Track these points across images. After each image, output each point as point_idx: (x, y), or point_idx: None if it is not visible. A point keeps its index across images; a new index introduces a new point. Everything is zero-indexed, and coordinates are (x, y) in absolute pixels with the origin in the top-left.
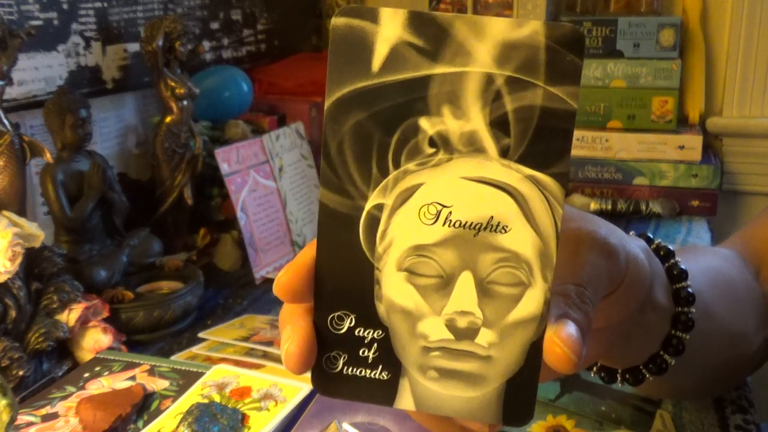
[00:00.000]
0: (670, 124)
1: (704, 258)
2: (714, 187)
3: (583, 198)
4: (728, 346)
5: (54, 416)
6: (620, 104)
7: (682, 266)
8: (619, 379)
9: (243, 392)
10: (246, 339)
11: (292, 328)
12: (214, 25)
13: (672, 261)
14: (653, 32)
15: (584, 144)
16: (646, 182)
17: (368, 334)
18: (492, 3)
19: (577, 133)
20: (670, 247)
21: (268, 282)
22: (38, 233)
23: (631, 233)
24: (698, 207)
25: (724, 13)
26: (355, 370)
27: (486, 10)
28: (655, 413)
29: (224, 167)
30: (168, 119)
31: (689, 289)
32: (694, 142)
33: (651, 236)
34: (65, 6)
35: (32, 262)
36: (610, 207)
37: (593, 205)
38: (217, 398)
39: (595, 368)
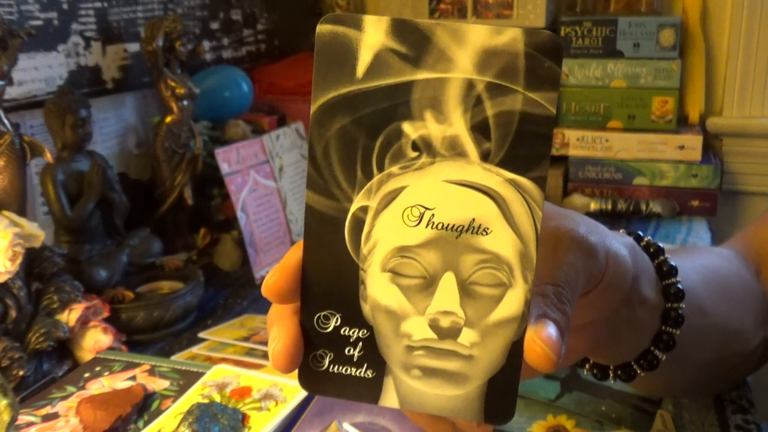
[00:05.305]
0: (670, 124)
1: (699, 257)
2: (714, 187)
3: (583, 198)
4: (723, 342)
5: (54, 416)
6: (620, 104)
7: (672, 263)
8: (611, 375)
9: (243, 392)
10: (246, 339)
11: (279, 327)
12: (214, 25)
13: (661, 258)
14: (653, 32)
15: (584, 144)
16: (646, 182)
17: (353, 333)
18: (492, 3)
19: (577, 133)
20: (660, 245)
21: None
22: (38, 233)
23: (621, 231)
24: (698, 207)
25: (724, 13)
26: (340, 368)
27: (486, 10)
28: (655, 413)
29: (224, 167)
30: (168, 119)
31: (679, 285)
32: (694, 142)
33: (641, 234)
34: (65, 6)
35: (32, 262)
36: (610, 207)
37: (593, 205)
38: (217, 398)
39: (587, 365)
